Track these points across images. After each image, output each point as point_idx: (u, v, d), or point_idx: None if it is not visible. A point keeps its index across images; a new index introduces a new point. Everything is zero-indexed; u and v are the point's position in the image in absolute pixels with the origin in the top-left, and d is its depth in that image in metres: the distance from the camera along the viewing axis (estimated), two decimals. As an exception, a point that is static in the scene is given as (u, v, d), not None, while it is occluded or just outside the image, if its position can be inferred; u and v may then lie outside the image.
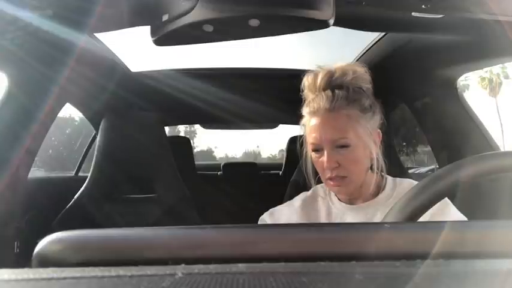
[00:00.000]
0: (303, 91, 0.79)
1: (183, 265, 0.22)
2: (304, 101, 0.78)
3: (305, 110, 0.77)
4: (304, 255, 0.25)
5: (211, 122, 2.32)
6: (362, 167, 0.73)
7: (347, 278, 0.22)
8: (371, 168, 0.76)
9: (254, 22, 0.58)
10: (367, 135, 0.72)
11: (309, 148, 0.77)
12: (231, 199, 1.93)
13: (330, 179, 0.72)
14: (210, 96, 1.59)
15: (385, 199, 0.75)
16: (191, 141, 2.27)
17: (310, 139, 0.74)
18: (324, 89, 0.73)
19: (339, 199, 0.80)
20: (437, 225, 0.28)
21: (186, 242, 0.26)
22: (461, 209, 0.68)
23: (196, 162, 2.13)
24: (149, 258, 0.24)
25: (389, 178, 0.79)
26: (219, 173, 2.25)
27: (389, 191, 0.76)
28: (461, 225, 0.32)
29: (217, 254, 0.25)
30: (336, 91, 0.72)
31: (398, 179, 0.79)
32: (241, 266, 0.22)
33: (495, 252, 0.25)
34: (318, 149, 0.73)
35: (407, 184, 0.77)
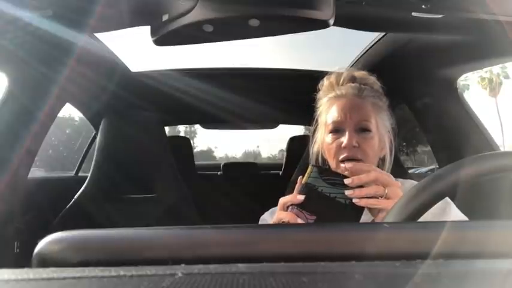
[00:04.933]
0: (319, 90, 0.82)
1: (183, 265, 0.22)
2: (321, 92, 0.81)
3: (326, 96, 0.79)
4: (304, 255, 0.25)
5: (211, 122, 2.32)
6: (375, 158, 0.74)
7: (347, 278, 0.22)
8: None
9: (254, 22, 0.58)
10: (384, 130, 0.75)
11: (321, 132, 0.78)
12: (231, 199, 1.93)
13: (344, 160, 0.71)
14: (210, 96, 1.59)
15: None
16: (191, 141, 2.27)
17: (332, 119, 0.74)
18: (351, 82, 0.77)
19: None
20: (437, 225, 0.28)
21: (186, 242, 0.26)
22: (461, 209, 0.68)
23: (196, 162, 2.13)
24: (149, 258, 0.24)
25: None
26: (219, 173, 2.25)
27: None
28: (461, 225, 0.32)
29: (217, 254, 0.25)
30: (362, 85, 0.76)
31: (400, 180, 0.79)
32: (241, 266, 0.22)
33: (495, 252, 0.25)
34: (338, 130, 0.74)
35: (409, 185, 0.77)
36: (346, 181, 0.57)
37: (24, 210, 1.13)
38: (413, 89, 1.36)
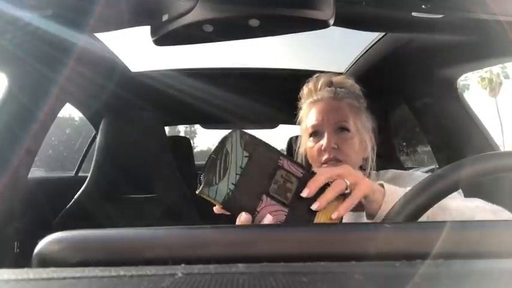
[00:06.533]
0: (300, 99, 0.83)
1: (183, 265, 0.22)
2: (302, 99, 0.83)
3: (305, 102, 0.80)
4: (304, 255, 0.25)
5: (211, 122, 2.32)
6: (356, 158, 0.74)
7: (347, 278, 0.22)
8: (361, 168, 0.77)
9: (254, 22, 0.58)
10: (364, 130, 0.76)
11: (304, 138, 0.79)
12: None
13: (326, 162, 0.71)
14: (210, 96, 1.59)
15: None
16: (191, 141, 2.27)
17: (311, 123, 0.75)
18: (328, 87, 0.78)
19: None
20: (437, 225, 0.28)
21: (186, 242, 0.26)
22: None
23: (196, 162, 2.13)
24: (149, 258, 0.24)
25: (373, 172, 0.79)
26: None
27: None
28: (461, 225, 0.32)
29: (217, 254, 0.25)
30: (338, 89, 0.77)
31: (382, 171, 0.78)
32: (241, 266, 0.22)
33: (495, 252, 0.25)
34: (317, 133, 0.74)
35: (390, 174, 0.76)
36: (304, 193, 0.45)
37: (24, 210, 1.13)
38: (413, 88, 1.36)
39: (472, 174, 0.41)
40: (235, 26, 0.60)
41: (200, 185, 0.42)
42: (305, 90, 0.82)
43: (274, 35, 0.68)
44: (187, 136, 2.41)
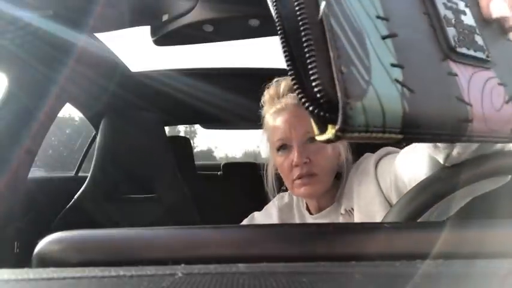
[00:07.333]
0: (263, 106, 0.76)
1: (183, 265, 0.22)
2: (264, 107, 0.76)
3: (268, 112, 0.73)
4: (304, 255, 0.25)
5: (211, 122, 2.32)
6: (331, 168, 0.69)
7: (347, 278, 0.22)
8: (337, 177, 0.72)
9: (254, 22, 0.58)
10: None
11: (272, 151, 0.73)
12: (231, 199, 1.93)
13: (299, 177, 0.66)
14: (210, 96, 1.59)
15: (341, 197, 0.71)
16: (191, 141, 2.27)
17: (277, 136, 0.69)
18: (291, 92, 0.70)
19: (307, 209, 0.77)
20: (437, 225, 0.28)
21: (186, 242, 0.26)
22: (461, 208, 0.68)
23: (196, 162, 2.13)
24: (149, 258, 0.24)
25: (353, 166, 0.74)
26: (219, 173, 2.25)
27: (342, 189, 0.72)
28: (461, 225, 0.32)
29: (217, 254, 0.25)
30: None
31: (357, 162, 0.73)
32: (241, 266, 0.22)
33: (495, 252, 0.25)
34: (285, 147, 0.69)
35: (365, 161, 0.70)
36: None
37: (24, 210, 1.13)
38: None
39: (473, 174, 0.41)
40: (235, 26, 0.60)
41: (332, 116, 0.18)
42: (266, 96, 0.74)
43: (274, 35, 0.68)
44: (187, 136, 2.41)
